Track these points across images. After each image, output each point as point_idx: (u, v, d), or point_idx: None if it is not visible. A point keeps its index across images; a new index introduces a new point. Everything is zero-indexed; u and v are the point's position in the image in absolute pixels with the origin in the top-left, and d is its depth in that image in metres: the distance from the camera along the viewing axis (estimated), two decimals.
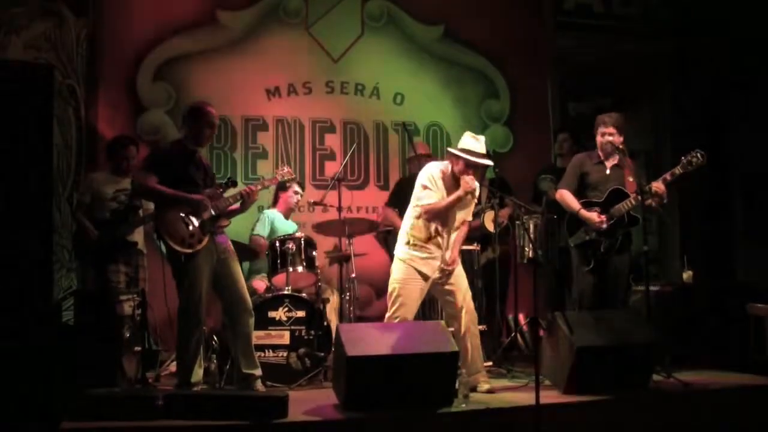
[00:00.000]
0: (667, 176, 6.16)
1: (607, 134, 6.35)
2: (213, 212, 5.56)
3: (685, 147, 6.28)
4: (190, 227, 5.46)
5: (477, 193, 5.89)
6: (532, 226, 6.99)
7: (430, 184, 5.76)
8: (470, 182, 5.66)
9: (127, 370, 5.87)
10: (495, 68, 9.02)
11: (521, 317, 7.51)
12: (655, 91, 9.63)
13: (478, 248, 7.14)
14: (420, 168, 7.42)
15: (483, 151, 5.73)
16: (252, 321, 5.72)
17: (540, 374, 4.84)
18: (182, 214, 5.46)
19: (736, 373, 6.22)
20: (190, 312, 5.48)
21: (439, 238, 5.80)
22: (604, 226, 6.19)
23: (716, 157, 8.32)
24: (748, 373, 6.17)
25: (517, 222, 7.19)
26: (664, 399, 5.46)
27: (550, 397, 5.29)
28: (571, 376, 5.42)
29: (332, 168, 8.13)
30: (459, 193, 5.69)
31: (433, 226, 5.77)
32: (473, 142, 5.71)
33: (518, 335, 7.47)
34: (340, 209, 6.84)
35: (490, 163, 5.85)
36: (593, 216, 6.23)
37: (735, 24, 8.94)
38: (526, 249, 7.05)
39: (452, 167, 5.79)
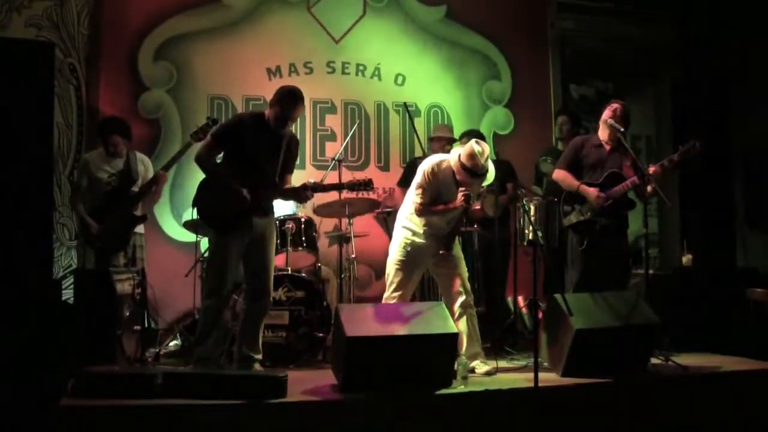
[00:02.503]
0: (665, 162, 6.22)
1: (617, 108, 6.35)
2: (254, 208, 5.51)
3: (686, 132, 6.30)
4: (227, 212, 5.46)
5: (473, 205, 5.92)
6: (532, 209, 6.99)
7: (424, 183, 5.72)
8: (465, 198, 5.62)
9: (127, 348, 5.87)
10: (497, 50, 8.98)
11: (520, 299, 7.51)
12: (656, 75, 9.61)
13: (479, 230, 7.15)
14: (442, 150, 7.42)
15: (483, 169, 5.60)
16: (268, 308, 5.71)
17: (538, 356, 4.84)
18: (224, 198, 5.46)
19: (735, 357, 6.23)
20: (208, 278, 5.59)
21: (437, 222, 5.81)
22: (603, 201, 6.19)
23: (717, 142, 8.32)
24: (747, 357, 6.17)
25: (518, 204, 7.18)
26: (662, 382, 5.47)
27: (549, 379, 5.30)
28: (570, 358, 5.43)
29: (333, 148, 8.11)
30: (450, 206, 5.70)
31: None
32: (472, 160, 5.55)
33: (517, 317, 7.47)
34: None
35: (485, 181, 5.77)
36: (593, 192, 6.24)
37: (736, 8, 8.91)
38: (527, 231, 7.05)
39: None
